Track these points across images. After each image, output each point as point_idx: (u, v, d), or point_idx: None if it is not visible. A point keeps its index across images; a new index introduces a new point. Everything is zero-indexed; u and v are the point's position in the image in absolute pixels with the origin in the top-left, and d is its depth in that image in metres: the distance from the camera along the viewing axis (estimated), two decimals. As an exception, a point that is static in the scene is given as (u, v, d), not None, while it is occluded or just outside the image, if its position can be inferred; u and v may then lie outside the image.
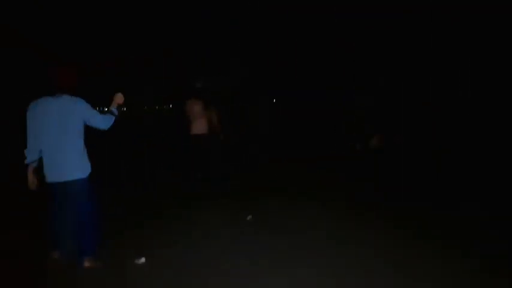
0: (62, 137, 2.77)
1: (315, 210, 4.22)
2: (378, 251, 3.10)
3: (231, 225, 3.81)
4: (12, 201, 4.80)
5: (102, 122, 2.96)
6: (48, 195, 2.88)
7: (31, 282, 2.76)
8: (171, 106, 28.53)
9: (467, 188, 4.87)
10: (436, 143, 8.04)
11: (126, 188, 5.61)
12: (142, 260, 2.92)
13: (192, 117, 4.99)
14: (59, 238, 2.90)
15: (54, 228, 2.91)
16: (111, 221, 4.02)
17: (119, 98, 3.07)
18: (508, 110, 9.34)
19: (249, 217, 3.88)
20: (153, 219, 4.12)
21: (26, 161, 2.83)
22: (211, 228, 3.76)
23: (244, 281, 2.68)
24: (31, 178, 2.87)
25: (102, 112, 3.04)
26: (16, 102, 2.69)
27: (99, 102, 3.05)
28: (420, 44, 12.27)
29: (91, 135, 3.01)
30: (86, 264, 2.92)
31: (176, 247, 3.32)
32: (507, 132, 7.77)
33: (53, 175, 2.81)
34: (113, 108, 3.04)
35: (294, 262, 2.95)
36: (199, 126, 5.00)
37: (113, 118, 3.03)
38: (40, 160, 2.84)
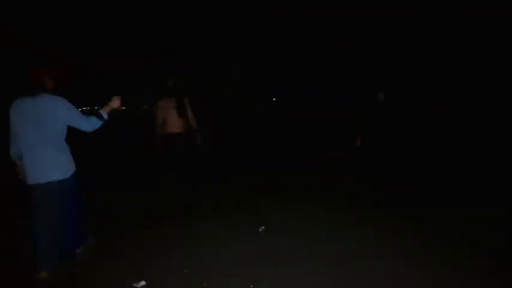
0: (40, 137, 2.67)
1: (315, 210, 4.22)
2: (378, 251, 3.10)
3: (231, 226, 3.81)
4: (12, 201, 4.80)
5: (85, 124, 2.81)
6: (30, 203, 2.76)
7: (31, 282, 2.76)
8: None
9: (468, 188, 4.87)
10: (436, 143, 8.03)
11: (125, 188, 5.61)
12: (143, 283, 2.71)
13: (167, 116, 4.86)
14: (43, 256, 2.74)
15: (38, 245, 2.74)
16: (111, 221, 4.04)
17: (115, 102, 2.93)
18: (508, 110, 9.35)
19: (262, 228, 3.73)
20: (153, 219, 4.11)
21: (12, 158, 2.86)
22: (211, 228, 3.76)
23: (244, 281, 2.68)
24: (21, 169, 2.84)
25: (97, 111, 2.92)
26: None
27: (99, 102, 2.97)
28: (420, 44, 12.28)
29: (90, 135, 2.99)
30: (78, 252, 3.01)
31: (176, 247, 3.32)
32: (507, 132, 7.78)
33: (33, 176, 2.70)
34: (103, 112, 2.89)
35: (294, 262, 2.95)
36: (174, 125, 4.86)
37: (100, 122, 2.87)
38: None
